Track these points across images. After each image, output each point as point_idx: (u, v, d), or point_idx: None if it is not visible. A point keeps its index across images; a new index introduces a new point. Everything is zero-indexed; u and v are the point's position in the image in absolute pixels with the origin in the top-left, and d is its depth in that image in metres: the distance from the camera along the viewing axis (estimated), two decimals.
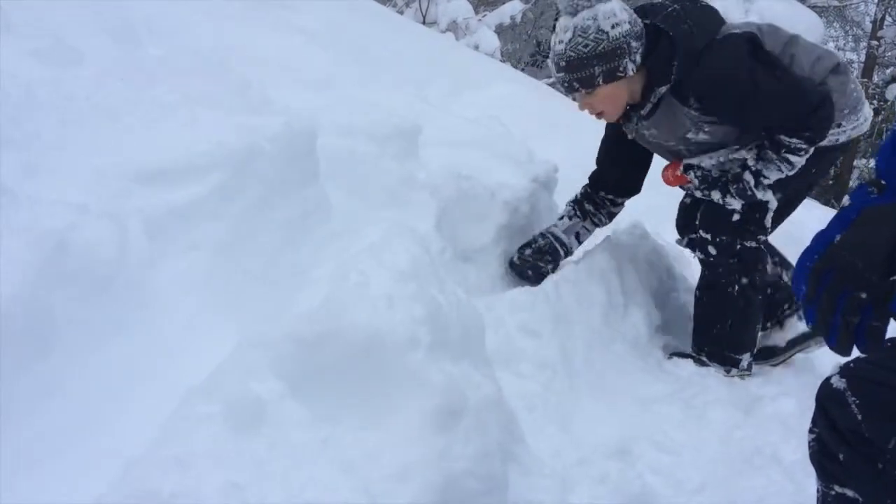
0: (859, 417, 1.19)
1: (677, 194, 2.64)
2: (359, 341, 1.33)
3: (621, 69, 2.26)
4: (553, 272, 2.65)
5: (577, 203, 2.77)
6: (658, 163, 2.67)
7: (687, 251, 2.62)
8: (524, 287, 2.44)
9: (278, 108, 2.39)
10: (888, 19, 13.65)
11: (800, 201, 2.64)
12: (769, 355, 2.69)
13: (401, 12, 7.73)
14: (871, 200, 1.07)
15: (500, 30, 8.75)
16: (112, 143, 1.74)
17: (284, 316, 1.35)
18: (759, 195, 2.36)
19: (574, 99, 2.43)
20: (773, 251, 2.72)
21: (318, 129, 2.14)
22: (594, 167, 2.76)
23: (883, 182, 1.09)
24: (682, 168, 2.45)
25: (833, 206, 9.49)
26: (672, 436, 2.15)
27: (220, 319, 1.58)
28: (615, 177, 2.72)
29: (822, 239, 1.10)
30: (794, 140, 2.27)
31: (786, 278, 2.71)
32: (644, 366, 2.48)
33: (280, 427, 1.22)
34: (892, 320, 1.12)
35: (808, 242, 1.14)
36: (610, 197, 2.73)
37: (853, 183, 13.69)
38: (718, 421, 2.29)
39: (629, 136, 2.54)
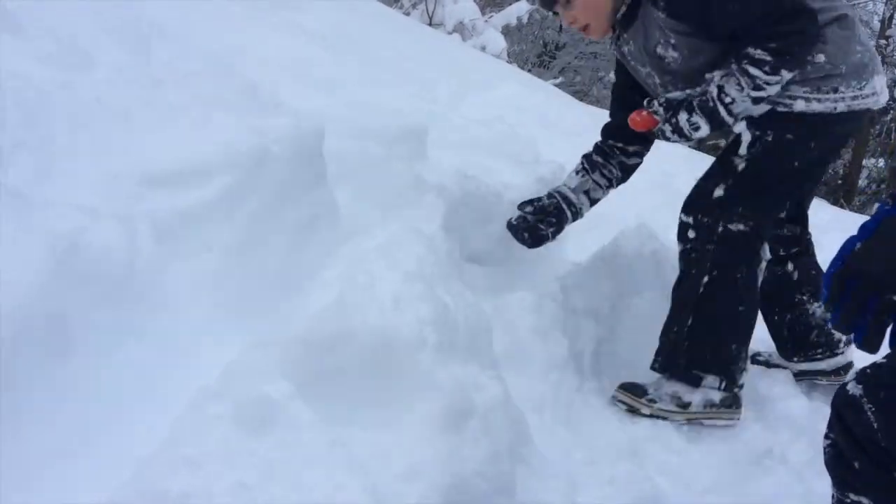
0: (875, 425, 1.18)
1: (681, 192, 2.55)
2: (367, 343, 1.33)
3: None
4: (553, 238, 2.50)
5: (586, 156, 2.58)
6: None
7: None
8: (532, 288, 2.44)
9: (286, 109, 2.40)
10: None
11: (801, 186, 2.29)
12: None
13: (407, 14, 7.75)
14: (889, 212, 1.12)
15: (506, 31, 8.75)
16: (123, 145, 1.75)
17: (293, 318, 1.36)
18: (723, 113, 2.07)
19: (556, 16, 2.30)
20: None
21: (325, 131, 2.15)
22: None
23: None
24: (645, 103, 2.23)
25: (842, 206, 9.44)
26: (681, 437, 2.15)
27: (231, 321, 1.59)
28: (623, 121, 2.39)
29: (846, 247, 1.13)
30: (758, 51, 1.99)
31: (819, 313, 2.44)
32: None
33: (289, 428, 1.23)
34: None
35: (821, 245, 1.19)
36: (619, 145, 2.50)
37: (862, 182, 13.63)
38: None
39: (610, 48, 2.41)
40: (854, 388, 1.23)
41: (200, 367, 1.39)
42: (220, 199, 1.75)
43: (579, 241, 3.03)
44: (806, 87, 2.07)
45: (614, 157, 2.53)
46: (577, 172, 2.58)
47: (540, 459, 1.74)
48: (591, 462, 1.93)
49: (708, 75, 2.13)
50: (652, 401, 2.18)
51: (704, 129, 2.12)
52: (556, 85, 7.62)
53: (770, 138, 2.11)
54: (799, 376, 2.52)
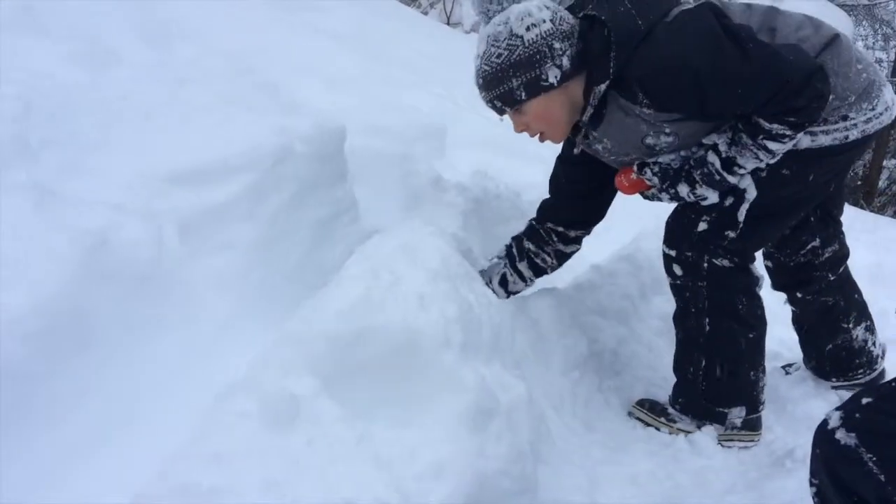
0: (882, 478, 1.05)
1: None
2: (393, 340, 1.34)
3: (544, 78, 1.83)
4: None
5: (516, 241, 2.28)
6: None
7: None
8: (552, 288, 2.43)
9: (308, 109, 2.42)
10: None
11: (795, 216, 2.12)
12: None
13: (425, 13, 7.75)
14: None
15: None
16: (148, 143, 1.77)
17: (318, 314, 1.37)
18: (731, 180, 1.89)
19: (509, 121, 2.00)
20: (851, 302, 2.29)
21: (347, 130, 2.16)
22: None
23: None
24: (636, 170, 2.00)
25: (862, 207, 9.32)
26: (701, 437, 2.14)
27: (255, 317, 1.60)
28: (567, 203, 2.21)
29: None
30: (776, 126, 1.78)
31: (861, 335, 2.32)
32: (670, 367, 2.47)
33: (315, 424, 1.24)
34: None
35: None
36: (559, 229, 2.22)
37: (882, 183, 13.47)
38: None
39: (576, 151, 2.07)
40: (846, 438, 1.10)
41: (225, 363, 1.40)
42: (243, 196, 1.76)
43: (599, 241, 3.02)
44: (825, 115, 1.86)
45: (550, 245, 2.25)
46: (499, 258, 2.31)
47: (561, 458, 1.74)
48: (611, 461, 1.93)
49: (705, 140, 1.92)
50: (672, 420, 2.15)
51: (713, 199, 1.95)
52: None
53: (764, 174, 1.92)
54: (833, 387, 2.45)
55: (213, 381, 1.34)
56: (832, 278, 2.28)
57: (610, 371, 2.34)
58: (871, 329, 2.35)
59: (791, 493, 1.99)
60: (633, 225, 3.03)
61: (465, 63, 5.00)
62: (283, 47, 3.37)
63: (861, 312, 2.33)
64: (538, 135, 2.00)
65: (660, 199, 2.06)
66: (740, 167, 1.87)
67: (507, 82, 1.85)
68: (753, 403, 2.11)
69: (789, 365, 2.56)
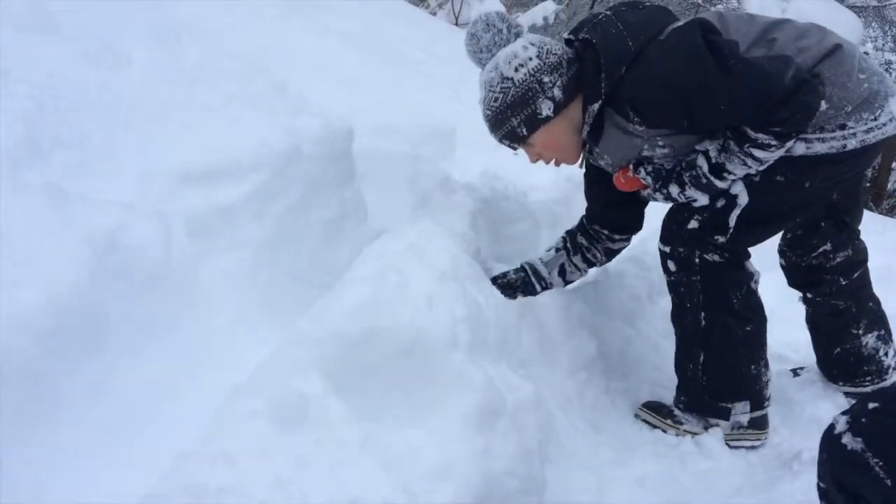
0: (889, 483, 1.04)
1: None
2: (401, 340, 1.34)
3: (539, 112, 1.94)
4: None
5: (569, 235, 2.40)
6: None
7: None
8: (560, 288, 2.43)
9: (316, 109, 2.42)
10: None
11: (790, 221, 2.17)
12: None
13: (434, 14, 7.76)
14: None
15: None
16: (158, 143, 1.78)
17: (327, 314, 1.38)
18: (720, 185, 1.94)
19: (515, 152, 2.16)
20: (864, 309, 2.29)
21: (355, 131, 2.17)
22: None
23: None
24: (631, 168, 2.06)
25: (871, 209, 9.26)
26: (708, 438, 2.14)
27: (263, 317, 1.61)
28: (602, 212, 2.32)
29: None
30: (761, 135, 1.83)
31: (871, 343, 2.30)
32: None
33: (323, 424, 1.24)
34: None
35: None
36: (605, 232, 2.34)
37: (891, 185, 13.38)
38: None
39: (579, 166, 2.22)
40: (852, 442, 1.08)
41: (235, 363, 1.41)
42: (252, 196, 1.77)
43: None
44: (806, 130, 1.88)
45: (600, 243, 2.36)
46: (556, 250, 2.41)
47: (568, 459, 1.74)
48: (618, 462, 1.93)
49: (698, 146, 1.97)
50: (678, 422, 2.15)
51: (703, 201, 2.00)
52: None
53: (757, 179, 1.94)
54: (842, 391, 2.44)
55: (222, 380, 1.35)
56: (844, 283, 2.28)
57: (617, 372, 2.34)
58: (884, 339, 2.33)
59: (799, 496, 1.98)
60: (643, 227, 3.02)
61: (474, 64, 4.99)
62: (294, 48, 3.38)
63: (874, 321, 2.31)
64: (553, 161, 2.12)
65: (655, 199, 2.11)
66: (729, 173, 1.92)
67: (508, 122, 1.99)
68: (757, 399, 2.11)
69: (800, 368, 2.56)
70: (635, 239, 2.83)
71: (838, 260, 2.26)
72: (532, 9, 8.83)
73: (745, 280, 2.06)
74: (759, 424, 2.13)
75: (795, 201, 2.02)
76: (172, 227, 1.59)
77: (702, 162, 1.94)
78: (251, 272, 1.68)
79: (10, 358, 1.21)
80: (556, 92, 1.94)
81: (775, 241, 2.35)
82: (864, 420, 1.11)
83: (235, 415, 1.24)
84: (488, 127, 2.05)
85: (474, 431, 1.31)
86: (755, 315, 2.09)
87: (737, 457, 2.10)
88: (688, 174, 1.97)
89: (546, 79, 1.92)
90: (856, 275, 2.30)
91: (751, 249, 2.11)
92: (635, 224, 2.35)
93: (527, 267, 2.39)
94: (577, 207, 2.95)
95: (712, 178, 1.94)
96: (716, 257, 2.01)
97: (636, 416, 2.21)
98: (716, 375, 2.09)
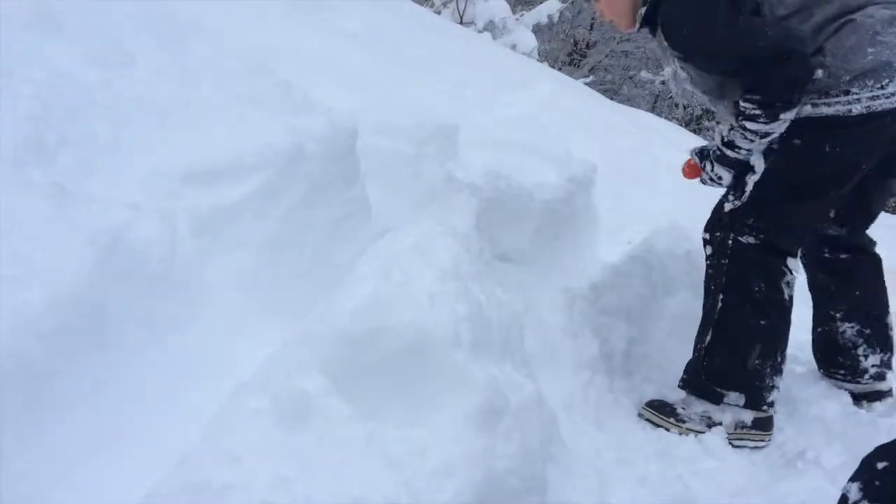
0: None
1: (715, 194, 2.49)
2: (404, 339, 1.35)
3: None
4: None
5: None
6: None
7: None
8: (562, 286, 2.43)
9: (321, 108, 2.42)
10: None
11: (822, 190, 2.08)
12: None
13: (438, 13, 7.75)
14: None
15: (537, 29, 8.72)
16: (163, 143, 1.78)
17: (330, 313, 1.38)
18: (733, 155, 2.05)
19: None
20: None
21: (359, 129, 2.17)
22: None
23: None
24: (695, 154, 2.26)
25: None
26: (712, 437, 2.14)
27: (267, 316, 1.61)
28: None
29: None
30: (747, 105, 1.95)
31: (849, 334, 2.32)
32: (683, 367, 2.46)
33: (326, 422, 1.25)
34: None
35: None
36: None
37: None
38: None
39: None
40: None
41: (238, 361, 1.41)
42: (256, 196, 1.77)
43: (611, 240, 3.02)
44: (811, 95, 1.96)
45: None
46: None
47: (571, 458, 1.74)
48: (621, 462, 1.93)
49: (716, 127, 2.18)
50: (681, 420, 2.16)
51: (727, 178, 2.12)
52: (587, 83, 7.58)
53: (776, 146, 2.02)
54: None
55: (225, 379, 1.36)
56: (827, 255, 2.33)
57: (621, 372, 2.34)
58: (869, 341, 2.31)
59: (802, 495, 1.98)
60: (646, 226, 3.02)
61: (478, 62, 5.01)
62: (298, 46, 3.38)
63: (858, 314, 2.31)
64: (608, 20, 2.33)
65: (706, 183, 2.24)
66: (738, 147, 2.05)
67: None
68: (755, 395, 2.11)
69: None
70: (638, 239, 2.84)
71: (831, 232, 2.28)
72: (537, 7, 8.82)
73: (775, 273, 2.08)
74: (763, 426, 2.14)
75: (820, 170, 2.03)
76: (176, 227, 1.60)
77: (717, 138, 2.13)
78: (255, 271, 1.69)
79: (14, 357, 1.22)
80: None
81: None
82: (877, 483, 1.09)
83: (238, 413, 1.25)
84: None
85: (476, 431, 1.31)
86: (775, 312, 2.09)
87: (740, 456, 2.10)
88: (712, 152, 2.14)
89: None
90: (843, 256, 2.31)
91: None
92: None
93: None
94: (581, 206, 2.96)
95: (725, 151, 2.07)
96: (750, 239, 2.06)
97: (639, 415, 2.21)
98: (717, 358, 2.11)
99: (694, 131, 10.68)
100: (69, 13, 2.20)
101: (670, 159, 4.39)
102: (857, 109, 1.95)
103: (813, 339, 2.43)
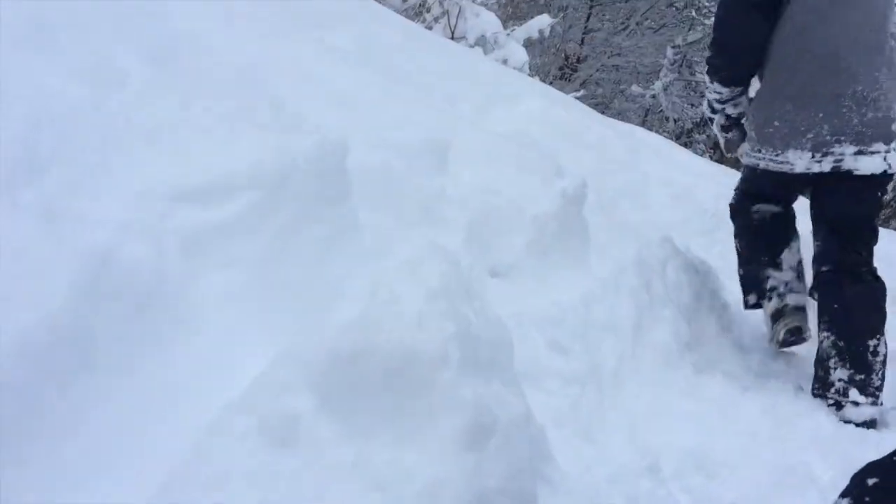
0: None
1: (704, 207, 2.61)
2: (391, 359, 1.34)
3: None
4: None
5: None
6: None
7: None
8: (553, 302, 2.44)
9: (312, 125, 2.43)
10: None
11: (760, 184, 2.77)
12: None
13: (430, 28, 7.78)
14: None
15: (528, 44, 8.76)
16: (152, 162, 1.78)
17: (318, 334, 1.38)
18: (707, 111, 2.89)
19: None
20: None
21: (349, 146, 2.18)
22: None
23: None
24: None
25: (889, 227, 9.24)
26: (702, 453, 2.14)
27: (256, 336, 1.61)
28: None
29: None
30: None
31: (825, 346, 2.52)
32: (673, 382, 2.47)
33: (313, 444, 1.25)
34: None
35: None
36: None
37: (888, 196, 13.36)
38: (750, 439, 2.27)
39: None
40: None
41: (227, 381, 1.41)
42: (245, 215, 1.78)
43: (601, 254, 3.03)
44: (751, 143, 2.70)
45: None
46: None
47: (561, 476, 1.74)
48: (612, 479, 1.92)
49: None
50: None
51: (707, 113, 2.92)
52: (578, 97, 7.62)
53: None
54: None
55: (214, 399, 1.35)
56: (821, 269, 2.63)
57: (611, 388, 2.34)
58: (842, 357, 2.46)
59: None
60: (636, 239, 3.03)
61: (470, 77, 5.03)
62: (290, 63, 3.39)
63: (834, 324, 2.50)
64: None
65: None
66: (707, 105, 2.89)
67: None
68: (753, 292, 2.86)
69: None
70: (629, 253, 2.85)
71: (815, 245, 2.68)
72: (528, 22, 8.87)
73: (739, 217, 2.87)
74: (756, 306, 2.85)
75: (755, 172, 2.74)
76: (166, 246, 1.60)
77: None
78: (244, 291, 1.68)
79: (0, 377, 1.21)
80: None
81: None
82: (867, 500, 1.10)
83: (225, 435, 1.24)
84: None
85: (465, 450, 1.31)
86: (744, 250, 2.87)
87: (732, 471, 2.09)
88: None
89: None
90: (825, 269, 2.59)
91: None
92: None
93: None
94: (572, 221, 2.97)
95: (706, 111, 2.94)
96: (732, 200, 2.90)
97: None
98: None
99: (684, 144, 10.73)
100: (60, 29, 2.20)
101: (661, 173, 4.42)
102: (762, 165, 2.70)
103: None
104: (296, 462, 1.22)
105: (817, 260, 2.64)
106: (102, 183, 1.67)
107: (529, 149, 3.43)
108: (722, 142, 2.92)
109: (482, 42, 8.02)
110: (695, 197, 4.26)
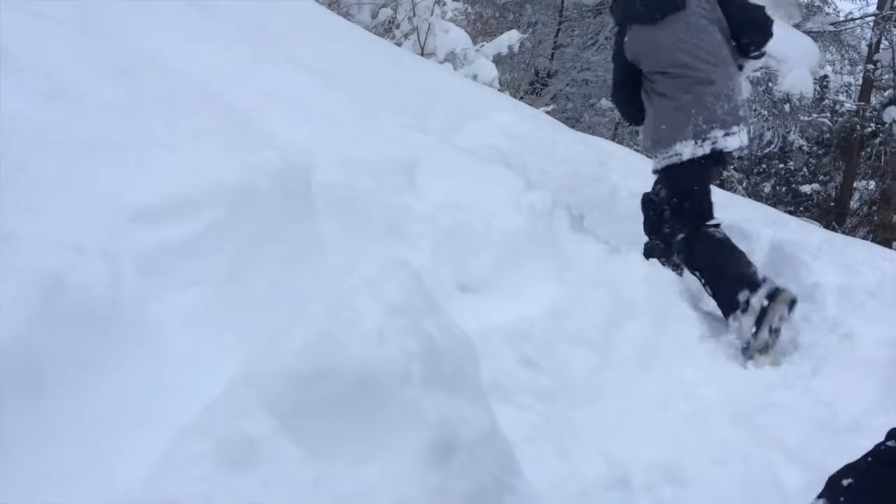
0: None
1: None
2: (352, 377, 1.33)
3: None
4: None
5: None
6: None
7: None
8: (522, 316, 2.43)
9: (278, 142, 2.41)
10: (884, 43, 13.74)
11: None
12: None
13: (399, 44, 7.80)
14: None
15: (498, 59, 8.82)
16: (112, 182, 1.75)
17: (277, 353, 1.36)
18: None
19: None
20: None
21: (316, 163, 2.16)
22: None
23: None
24: None
25: (834, 229, 9.44)
26: (674, 466, 2.14)
27: (215, 355, 1.58)
28: None
29: None
30: None
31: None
32: (643, 394, 2.48)
33: (273, 464, 1.22)
34: None
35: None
36: None
37: (854, 205, 13.64)
38: (721, 450, 2.28)
39: None
40: None
41: (184, 404, 1.37)
42: (206, 233, 1.75)
43: (570, 267, 3.04)
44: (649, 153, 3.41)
45: None
46: None
47: (530, 491, 1.72)
48: (582, 493, 1.92)
49: None
50: None
51: None
52: (549, 112, 7.67)
53: None
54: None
55: (170, 422, 1.32)
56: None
57: (581, 400, 2.34)
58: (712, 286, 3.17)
59: None
60: (606, 252, 3.04)
61: (439, 93, 5.03)
62: (256, 80, 3.37)
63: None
64: None
65: None
66: None
67: None
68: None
69: None
70: (600, 263, 2.86)
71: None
72: (498, 37, 8.93)
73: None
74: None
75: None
76: (123, 267, 1.57)
77: None
78: (204, 311, 1.66)
79: None
80: None
81: None
82: (842, 500, 1.13)
83: (180, 458, 1.21)
84: None
85: (428, 468, 1.30)
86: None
87: (704, 484, 2.10)
88: None
89: None
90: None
91: None
92: None
93: None
94: (541, 236, 2.97)
95: None
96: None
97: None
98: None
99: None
100: (20, 49, 2.17)
101: (630, 186, 4.45)
102: (658, 166, 3.40)
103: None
104: (254, 484, 1.19)
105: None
106: (61, 204, 1.64)
107: (498, 163, 3.44)
108: None
109: (452, 58, 8.06)
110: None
